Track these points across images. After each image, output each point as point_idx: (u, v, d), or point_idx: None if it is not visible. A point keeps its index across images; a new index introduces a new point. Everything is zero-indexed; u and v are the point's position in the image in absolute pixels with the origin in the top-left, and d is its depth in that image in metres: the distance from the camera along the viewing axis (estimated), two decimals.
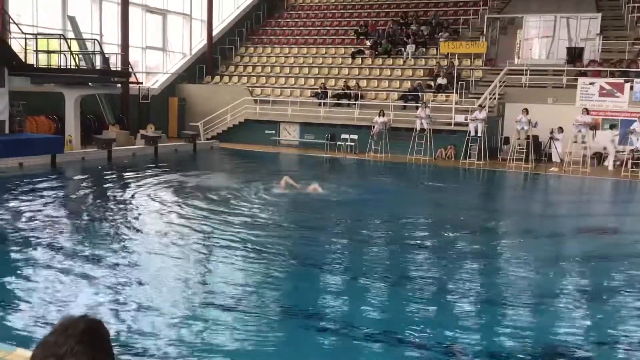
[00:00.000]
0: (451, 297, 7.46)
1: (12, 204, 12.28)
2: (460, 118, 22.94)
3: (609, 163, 21.07)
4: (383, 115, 23.23)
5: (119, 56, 23.24)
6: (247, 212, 12.32)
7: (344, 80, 27.32)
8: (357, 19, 31.89)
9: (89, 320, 1.48)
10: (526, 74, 24.10)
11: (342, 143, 24.44)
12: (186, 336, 6.01)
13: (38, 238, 9.55)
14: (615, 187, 18.83)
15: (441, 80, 25.25)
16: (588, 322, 6.88)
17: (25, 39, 19.80)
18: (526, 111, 21.22)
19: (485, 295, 7.66)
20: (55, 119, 21.23)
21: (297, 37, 31.77)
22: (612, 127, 21.58)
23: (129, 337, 5.87)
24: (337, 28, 31.84)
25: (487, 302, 7.37)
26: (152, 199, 13.46)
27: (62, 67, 20.05)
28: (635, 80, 21.92)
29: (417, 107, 23.55)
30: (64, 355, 1.39)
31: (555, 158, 21.27)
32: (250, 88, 28.36)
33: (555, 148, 21.23)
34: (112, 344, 1.51)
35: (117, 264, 8.36)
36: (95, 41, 21.80)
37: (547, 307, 7.25)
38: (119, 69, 22.34)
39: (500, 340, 6.18)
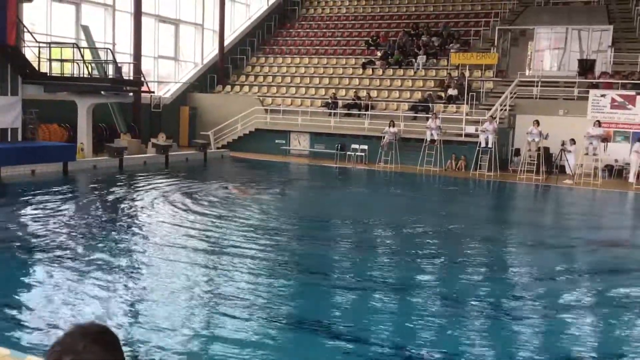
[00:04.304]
0: (469, 310, 7.43)
1: (25, 211, 12.35)
2: (470, 129, 22.90)
3: (632, 175, 20.23)
4: (393, 126, 23.24)
5: (132, 65, 23.42)
6: (256, 219, 12.34)
7: (354, 90, 27.38)
8: (368, 30, 31.98)
9: (99, 324, 1.54)
10: (537, 86, 24.04)
11: (352, 153, 24.46)
12: (193, 345, 6.01)
13: (49, 246, 9.59)
14: (629, 199, 18.67)
15: (452, 91, 25.24)
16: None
17: (39, 47, 20.02)
18: (537, 123, 21.15)
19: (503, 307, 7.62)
20: (68, 127, 21.40)
21: (308, 47, 31.88)
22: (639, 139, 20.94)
23: (135, 345, 5.87)
24: (347, 39, 31.94)
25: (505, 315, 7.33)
26: (162, 208, 13.50)
27: (75, 75, 20.22)
28: None
29: (427, 118, 23.53)
30: (82, 352, 1.42)
31: (567, 170, 21.15)
32: (261, 97, 28.47)
33: (567, 160, 21.12)
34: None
35: (126, 273, 8.38)
36: (108, 50, 22.00)
37: (567, 321, 7.20)
38: (131, 78, 22.49)
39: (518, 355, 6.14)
